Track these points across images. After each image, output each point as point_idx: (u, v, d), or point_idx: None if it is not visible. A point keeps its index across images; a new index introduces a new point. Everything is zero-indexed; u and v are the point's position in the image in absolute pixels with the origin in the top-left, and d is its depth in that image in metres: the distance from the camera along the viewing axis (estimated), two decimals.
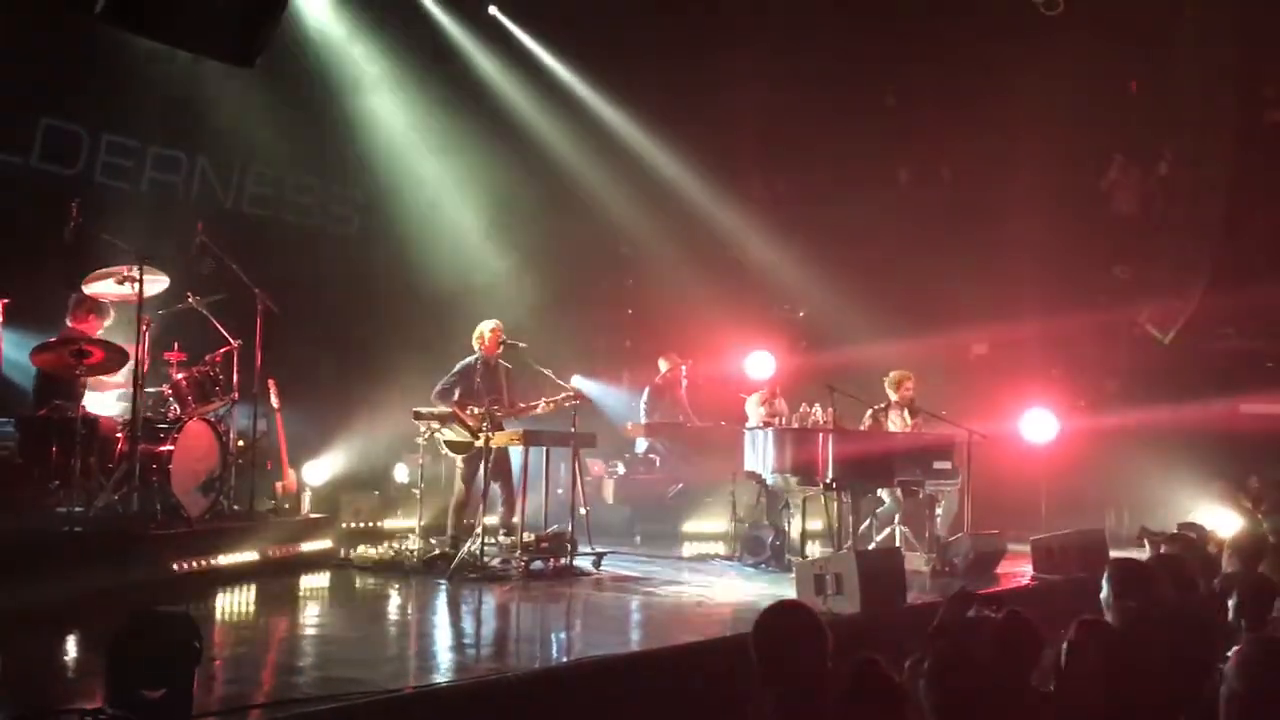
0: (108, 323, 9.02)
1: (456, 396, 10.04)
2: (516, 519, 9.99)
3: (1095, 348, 14.52)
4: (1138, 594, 5.35)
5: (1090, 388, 14.11)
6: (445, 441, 10.05)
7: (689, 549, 11.25)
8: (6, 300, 8.58)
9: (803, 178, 16.29)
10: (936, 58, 15.35)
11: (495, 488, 9.96)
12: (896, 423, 11.15)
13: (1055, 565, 9.67)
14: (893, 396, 11.16)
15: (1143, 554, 8.02)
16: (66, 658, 6.19)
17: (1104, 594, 5.53)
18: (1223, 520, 10.37)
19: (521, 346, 10.36)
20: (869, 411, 11.19)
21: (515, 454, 10.20)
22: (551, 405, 10.17)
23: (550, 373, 10.30)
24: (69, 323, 8.89)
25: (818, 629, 3.96)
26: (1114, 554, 8.79)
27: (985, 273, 14.10)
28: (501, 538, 9.87)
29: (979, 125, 15.06)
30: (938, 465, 10.46)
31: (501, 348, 10.27)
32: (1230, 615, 5.34)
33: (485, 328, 10.32)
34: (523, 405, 10.24)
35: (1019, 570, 10.00)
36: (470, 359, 10.26)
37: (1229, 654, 4.31)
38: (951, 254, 14.45)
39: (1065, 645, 4.58)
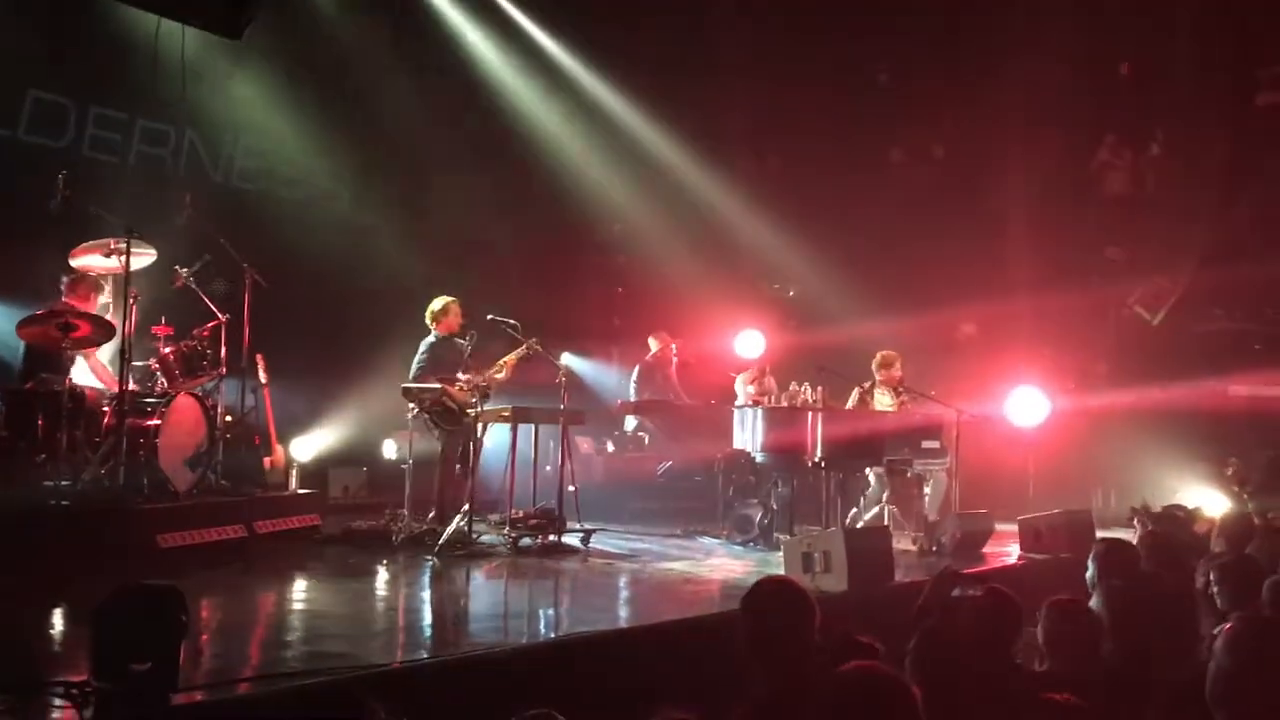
0: (102, 300, 8.97)
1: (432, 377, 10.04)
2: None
3: (1084, 329, 14.53)
4: (1124, 573, 5.38)
5: (1079, 368, 14.13)
6: (438, 414, 10.00)
7: (677, 527, 11.25)
8: None
9: (794, 156, 16.27)
10: (929, 36, 15.33)
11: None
12: (883, 402, 11.15)
13: (1042, 545, 9.70)
14: (879, 377, 11.17)
15: (1132, 534, 8.03)
16: (53, 631, 6.17)
17: (1090, 573, 5.56)
18: (1210, 501, 10.40)
19: (511, 324, 10.33)
20: (855, 391, 11.20)
21: (504, 432, 10.17)
22: (513, 360, 10.11)
23: (539, 345, 10.26)
24: (64, 299, 8.82)
25: (805, 603, 3.96)
26: (1101, 534, 8.82)
27: (975, 252, 14.10)
28: (491, 517, 9.88)
29: (970, 104, 15.06)
30: (926, 445, 10.47)
31: (460, 324, 10.24)
32: (1217, 596, 5.36)
33: (447, 303, 10.28)
34: (489, 372, 10.14)
35: (1006, 550, 10.03)
36: (431, 338, 10.23)
37: (1215, 632, 4.33)
38: (942, 233, 14.45)
39: (1040, 627, 4.61)
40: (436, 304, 10.35)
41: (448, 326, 10.27)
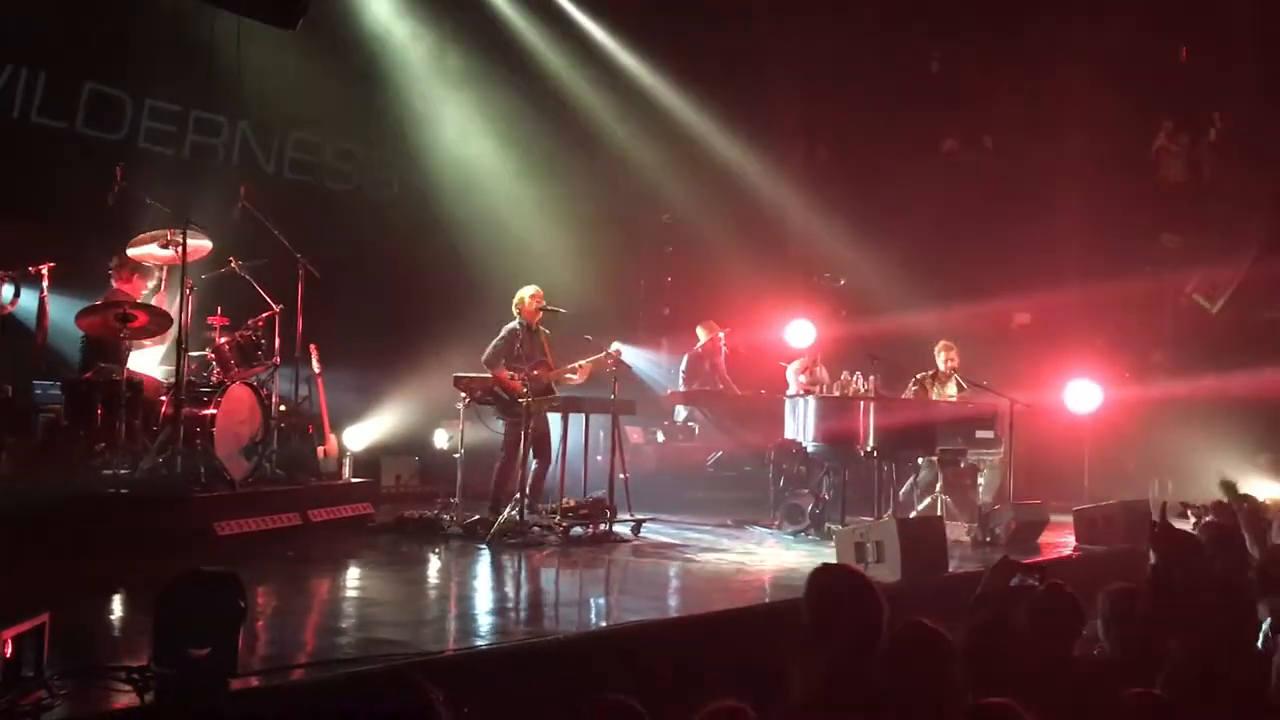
0: (151, 284, 9.08)
1: (503, 362, 10.08)
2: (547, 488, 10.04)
3: (1141, 317, 14.35)
4: (1185, 565, 5.31)
5: (1136, 358, 13.94)
6: (490, 403, 10.06)
7: (728, 517, 11.23)
8: (53, 264, 8.65)
9: (845, 144, 16.16)
10: (981, 24, 15.17)
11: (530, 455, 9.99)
12: (942, 391, 11.08)
13: (1099, 536, 9.58)
14: (941, 365, 11.12)
15: (1185, 525, 7.92)
16: (113, 617, 6.25)
17: (1151, 564, 5.49)
18: (1271, 491, 10.24)
19: (562, 313, 10.35)
20: (915, 378, 11.16)
21: (555, 422, 10.21)
22: (589, 365, 10.16)
23: (590, 337, 10.30)
24: (114, 284, 8.96)
25: (871, 591, 3.90)
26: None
27: (1029, 241, 13.95)
28: (542, 506, 9.90)
29: (1024, 90, 14.89)
30: (980, 434, 10.40)
31: (541, 314, 10.28)
32: None
33: (525, 294, 10.31)
34: (556, 370, 10.22)
35: (1062, 541, 9.93)
36: (512, 325, 10.25)
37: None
38: (995, 221, 14.32)
39: (1099, 616, 4.56)
40: (519, 292, 10.30)
41: (526, 314, 10.26)
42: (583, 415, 10.21)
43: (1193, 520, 8.15)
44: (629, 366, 10.64)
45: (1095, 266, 13.71)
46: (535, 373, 9.95)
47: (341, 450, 10.74)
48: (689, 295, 15.15)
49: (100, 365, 8.62)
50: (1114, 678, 3.77)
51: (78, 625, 5.34)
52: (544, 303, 10.27)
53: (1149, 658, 4.29)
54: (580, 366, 10.17)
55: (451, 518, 9.64)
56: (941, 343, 11.28)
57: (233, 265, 9.37)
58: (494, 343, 10.18)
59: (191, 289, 8.80)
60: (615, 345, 10.26)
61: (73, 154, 10.52)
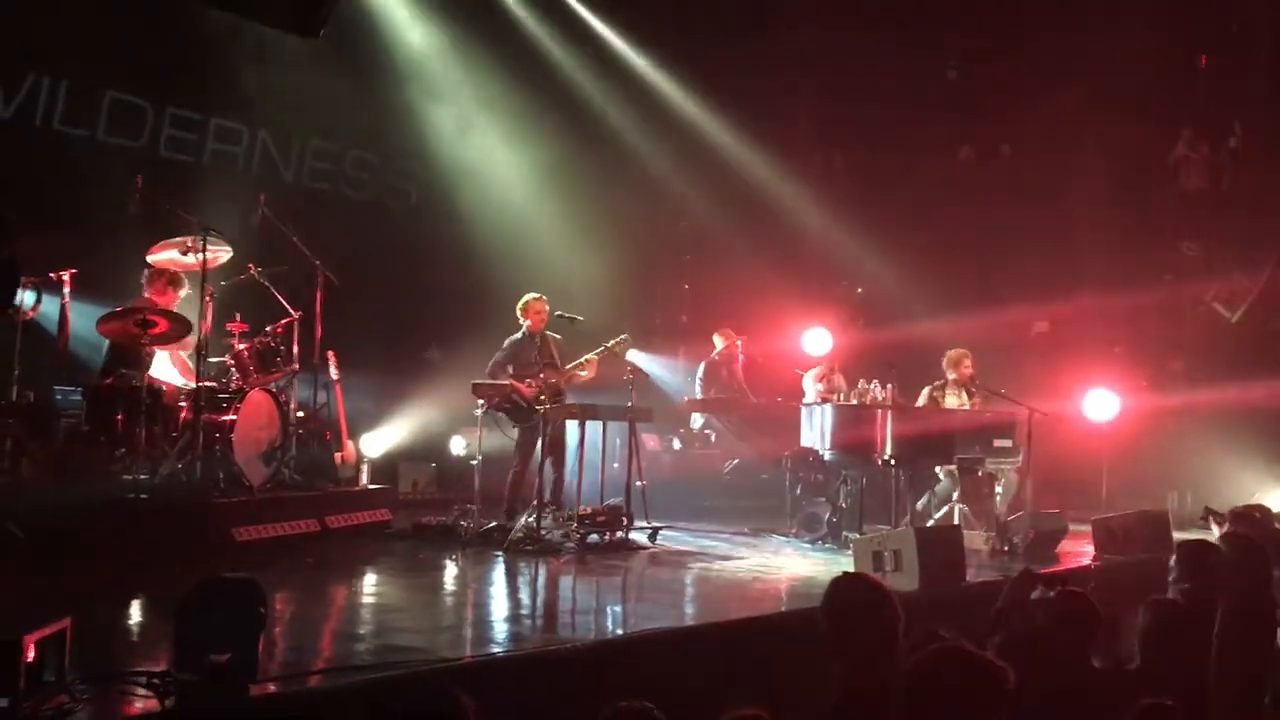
0: (183, 294, 9.10)
1: (511, 371, 10.10)
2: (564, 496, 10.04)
3: (1160, 325, 14.30)
4: (1206, 577, 5.28)
5: (1154, 366, 13.89)
6: (508, 411, 10.08)
7: (745, 525, 11.21)
8: (74, 271, 8.70)
9: (862, 153, 16.16)
10: (998, 31, 15.17)
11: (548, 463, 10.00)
12: (953, 402, 11.04)
13: (1118, 546, 9.53)
14: (950, 375, 11.06)
15: (1209, 534, 7.89)
16: (133, 622, 6.29)
17: (1172, 576, 5.47)
18: None
19: (580, 320, 10.37)
20: (926, 389, 11.11)
21: (572, 429, 10.21)
22: (595, 358, 10.16)
23: (618, 349, 10.29)
24: (146, 295, 8.99)
25: (889, 600, 3.91)
26: (1178, 535, 8.67)
27: (1047, 249, 13.93)
28: (555, 514, 9.90)
29: (1042, 98, 14.87)
30: (998, 443, 10.34)
31: (547, 320, 10.28)
32: None
33: (529, 300, 10.33)
34: (569, 367, 10.23)
35: (1080, 550, 9.88)
36: (518, 334, 10.29)
37: None
38: (1013, 229, 14.29)
39: (1141, 628, 4.54)
40: (523, 299, 10.39)
41: (533, 323, 10.32)
42: (600, 423, 10.20)
43: (1215, 529, 8.11)
44: (642, 371, 10.65)
45: (1114, 275, 13.68)
46: (542, 376, 9.97)
47: (359, 457, 10.77)
48: (706, 303, 15.16)
49: (121, 371, 8.67)
50: (1136, 689, 3.75)
51: (99, 630, 5.38)
52: (547, 308, 10.29)
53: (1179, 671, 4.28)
54: (589, 360, 10.19)
55: (469, 524, 9.66)
56: (951, 353, 11.16)
57: (252, 272, 9.42)
58: (498, 353, 10.22)
59: (212, 296, 8.84)
60: (632, 358, 10.26)
61: (94, 162, 10.58)
